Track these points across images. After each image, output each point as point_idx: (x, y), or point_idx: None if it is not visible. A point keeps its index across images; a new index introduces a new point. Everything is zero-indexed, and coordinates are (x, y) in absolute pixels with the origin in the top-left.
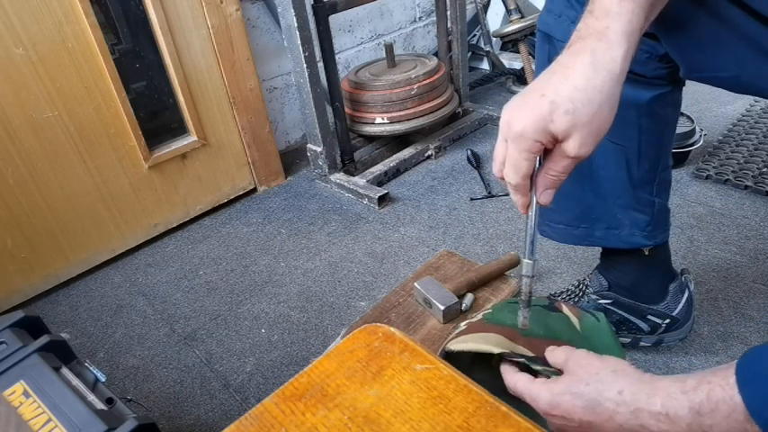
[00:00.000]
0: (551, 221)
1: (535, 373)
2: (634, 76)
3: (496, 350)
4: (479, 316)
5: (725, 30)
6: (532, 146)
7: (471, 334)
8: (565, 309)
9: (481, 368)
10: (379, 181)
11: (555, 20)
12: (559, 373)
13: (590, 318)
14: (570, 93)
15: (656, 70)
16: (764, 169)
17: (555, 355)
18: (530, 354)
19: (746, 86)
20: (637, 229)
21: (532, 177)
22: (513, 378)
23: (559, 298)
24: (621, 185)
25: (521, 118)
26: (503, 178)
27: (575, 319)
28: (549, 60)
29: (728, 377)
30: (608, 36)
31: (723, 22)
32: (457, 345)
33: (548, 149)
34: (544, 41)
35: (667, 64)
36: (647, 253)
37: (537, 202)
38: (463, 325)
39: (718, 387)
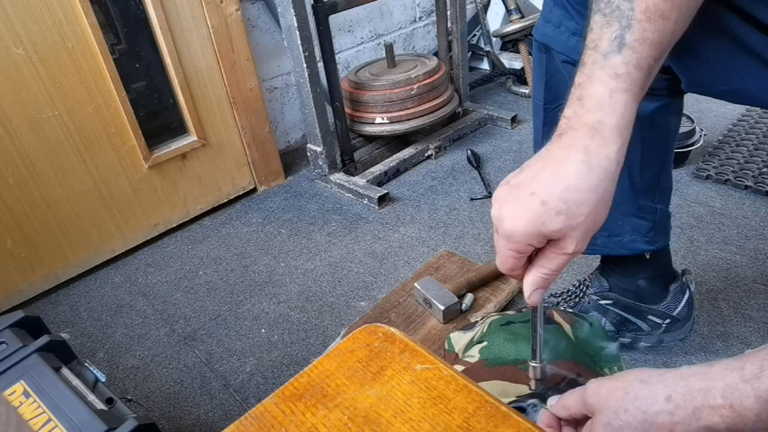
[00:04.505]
0: None
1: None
2: None
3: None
4: (476, 354)
5: (728, 45)
6: (521, 248)
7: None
8: (557, 316)
9: None
10: (379, 181)
11: (553, 30)
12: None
13: (583, 324)
14: (562, 193)
15: (659, 81)
16: (764, 169)
17: (568, 401)
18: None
19: (748, 98)
20: (638, 235)
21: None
22: None
23: (560, 299)
24: (623, 194)
25: (510, 217)
26: None
27: (567, 327)
28: (547, 72)
29: None
30: (601, 132)
31: (726, 38)
32: None
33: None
34: (541, 52)
35: (671, 75)
36: (648, 257)
37: (540, 304)
38: (460, 367)
39: None
